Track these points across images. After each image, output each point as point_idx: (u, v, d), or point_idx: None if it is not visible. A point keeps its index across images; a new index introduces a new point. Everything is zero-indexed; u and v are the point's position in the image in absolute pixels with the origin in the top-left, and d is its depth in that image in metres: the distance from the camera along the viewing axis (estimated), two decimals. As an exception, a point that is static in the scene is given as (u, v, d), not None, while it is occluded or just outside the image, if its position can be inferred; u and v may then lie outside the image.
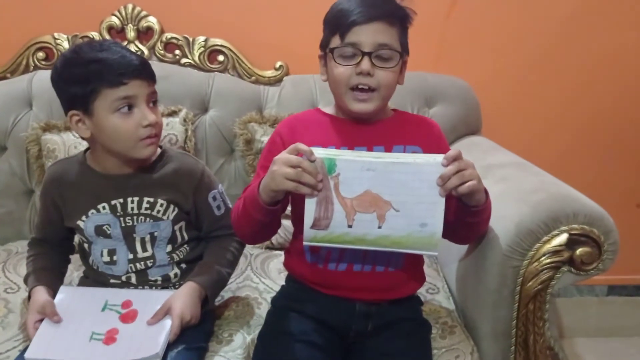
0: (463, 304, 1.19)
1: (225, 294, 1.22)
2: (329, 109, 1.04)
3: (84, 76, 0.98)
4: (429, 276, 1.17)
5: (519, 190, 1.14)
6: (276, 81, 1.64)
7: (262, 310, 1.17)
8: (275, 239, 1.46)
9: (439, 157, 0.85)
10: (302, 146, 0.84)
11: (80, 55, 1.00)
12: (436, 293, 1.27)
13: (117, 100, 0.99)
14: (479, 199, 0.91)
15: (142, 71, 1.01)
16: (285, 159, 0.84)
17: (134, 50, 1.34)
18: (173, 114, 1.49)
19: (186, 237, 1.13)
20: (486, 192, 0.93)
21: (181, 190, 1.08)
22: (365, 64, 0.92)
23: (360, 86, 0.93)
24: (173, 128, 1.46)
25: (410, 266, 1.02)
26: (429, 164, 0.85)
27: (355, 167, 0.84)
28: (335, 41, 0.94)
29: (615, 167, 1.83)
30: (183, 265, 1.13)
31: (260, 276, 1.33)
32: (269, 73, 1.65)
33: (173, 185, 1.08)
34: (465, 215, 0.93)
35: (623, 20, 1.71)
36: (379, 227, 0.87)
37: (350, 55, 0.93)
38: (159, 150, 1.11)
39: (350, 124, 1.00)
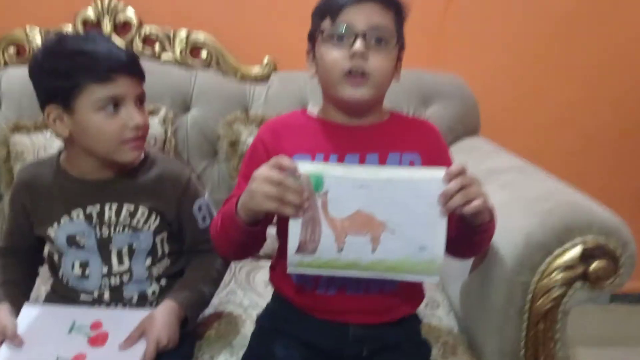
0: (466, 321, 1.11)
1: (207, 310, 1.12)
2: (317, 112, 0.96)
3: (68, 69, 0.90)
4: (428, 289, 1.09)
5: (525, 198, 1.06)
6: (263, 78, 1.56)
7: (247, 328, 1.08)
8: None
9: (440, 173, 0.77)
10: (285, 161, 0.76)
11: (64, 46, 0.92)
12: (436, 308, 1.19)
13: (103, 99, 0.91)
14: (484, 218, 0.83)
15: (132, 68, 0.93)
16: (265, 175, 0.76)
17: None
18: (152, 113, 1.39)
19: (167, 249, 1.05)
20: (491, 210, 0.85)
21: (165, 198, 1.00)
22: (359, 45, 0.83)
23: (353, 70, 0.84)
24: (151, 128, 1.30)
25: (407, 286, 0.94)
26: (428, 181, 0.77)
27: (346, 184, 0.77)
28: (326, 24, 0.86)
29: (623, 170, 1.77)
30: (163, 282, 1.05)
31: (245, 290, 1.25)
32: (256, 70, 1.57)
33: (156, 192, 1.00)
34: (467, 233, 0.86)
35: (631, 14, 1.65)
36: (373, 251, 0.79)
37: (342, 39, 0.85)
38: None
39: (340, 129, 0.91)
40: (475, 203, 0.77)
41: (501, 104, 1.70)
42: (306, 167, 0.77)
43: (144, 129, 0.95)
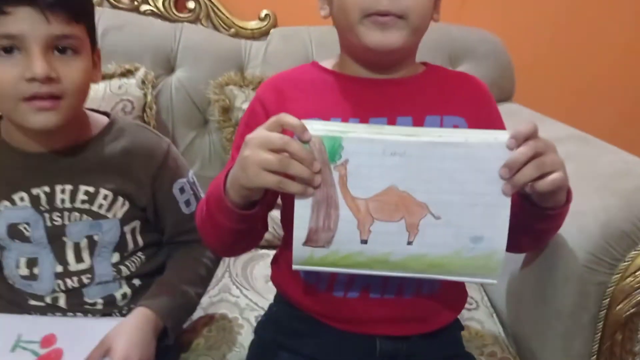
0: (516, 327, 0.92)
1: (194, 312, 0.93)
2: (332, 64, 0.78)
3: None
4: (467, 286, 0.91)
5: (596, 175, 0.86)
6: (261, 34, 1.39)
7: (245, 336, 0.91)
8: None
9: (503, 135, 0.60)
10: (289, 118, 0.60)
11: None
12: (475, 309, 1.00)
13: None
14: (559, 199, 0.65)
15: None
16: (262, 138, 0.60)
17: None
18: (128, 73, 1.20)
19: (141, 242, 0.85)
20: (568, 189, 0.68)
21: (135, 178, 0.82)
22: None
23: (381, 9, 0.66)
24: (127, 92, 1.18)
25: (452, 283, 0.75)
26: (488, 146, 0.60)
27: (373, 150, 0.60)
28: None
29: None
30: (136, 282, 0.85)
31: (242, 287, 1.06)
32: (253, 24, 1.40)
33: (123, 170, 0.82)
34: (533, 220, 0.68)
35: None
36: (410, 243, 0.63)
37: None
38: (105, 120, 0.84)
39: (363, 85, 0.73)
40: (553, 177, 0.60)
41: (536, 66, 1.54)
42: (319, 127, 0.60)
43: (56, 85, 0.71)
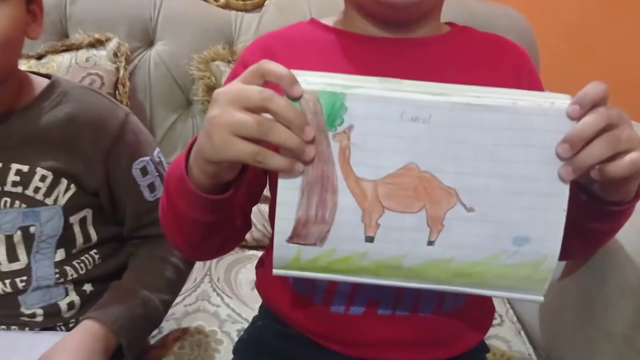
0: (553, 349, 0.80)
1: (165, 323, 0.82)
2: (334, 22, 0.65)
3: None
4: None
5: None
6: (255, 6, 1.25)
7: (224, 354, 0.80)
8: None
9: (563, 100, 0.46)
10: (273, 65, 0.46)
11: None
12: (499, 325, 0.88)
13: None
14: (630, 191, 0.52)
15: None
16: (235, 92, 0.46)
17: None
18: (97, 44, 1.08)
19: (95, 237, 0.73)
20: None
21: (82, 153, 0.70)
22: None
23: None
24: (96, 65, 1.05)
25: (477, 299, 0.63)
26: (543, 112, 0.47)
27: (387, 112, 0.47)
28: None
29: None
30: (87, 288, 0.73)
31: (224, 294, 0.94)
32: None
33: (67, 144, 0.69)
34: (590, 218, 0.54)
35: None
36: (430, 243, 0.50)
37: None
38: (43, 82, 0.71)
39: (373, 44, 0.61)
40: (631, 157, 0.46)
41: (562, 46, 1.45)
42: (314, 80, 0.47)
43: None
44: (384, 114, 0.47)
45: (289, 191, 0.48)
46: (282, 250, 0.49)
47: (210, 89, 1.12)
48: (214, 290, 0.95)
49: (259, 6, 1.24)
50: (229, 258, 1.04)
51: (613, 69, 1.48)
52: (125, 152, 0.71)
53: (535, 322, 0.84)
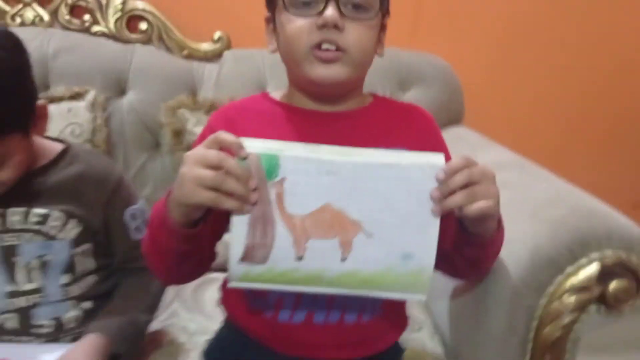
0: (456, 347, 0.95)
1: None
2: (281, 95, 0.78)
3: None
4: (409, 307, 0.93)
5: (529, 202, 0.89)
6: (214, 56, 1.39)
7: None
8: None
9: (437, 159, 0.62)
10: (226, 136, 0.61)
11: None
12: (417, 330, 1.02)
13: None
14: (489, 227, 0.68)
15: None
16: (199, 155, 0.60)
17: (31, 17, 1.15)
18: (77, 96, 1.20)
19: (94, 264, 0.88)
20: (499, 219, 0.71)
21: (87, 202, 0.85)
22: (331, 12, 0.66)
23: (324, 46, 0.67)
24: (77, 115, 1.18)
25: (392, 309, 0.78)
26: (419, 168, 0.62)
27: (309, 168, 0.62)
28: None
29: (610, 163, 1.67)
30: (86, 305, 0.87)
31: (192, 311, 1.05)
32: (206, 46, 1.40)
33: (76, 194, 0.85)
34: (464, 246, 0.71)
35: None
36: (343, 260, 0.64)
37: (309, 4, 0.68)
38: (59, 147, 0.87)
39: (311, 117, 0.74)
40: (480, 204, 0.62)
41: (484, 90, 1.57)
42: (256, 145, 0.61)
43: None
44: (307, 170, 0.61)
45: (239, 225, 0.61)
46: (236, 268, 0.63)
47: (176, 133, 1.23)
48: (183, 307, 1.05)
49: (218, 56, 1.37)
50: (196, 280, 1.15)
51: (527, 108, 1.62)
52: (120, 202, 0.87)
53: (446, 327, 0.98)
